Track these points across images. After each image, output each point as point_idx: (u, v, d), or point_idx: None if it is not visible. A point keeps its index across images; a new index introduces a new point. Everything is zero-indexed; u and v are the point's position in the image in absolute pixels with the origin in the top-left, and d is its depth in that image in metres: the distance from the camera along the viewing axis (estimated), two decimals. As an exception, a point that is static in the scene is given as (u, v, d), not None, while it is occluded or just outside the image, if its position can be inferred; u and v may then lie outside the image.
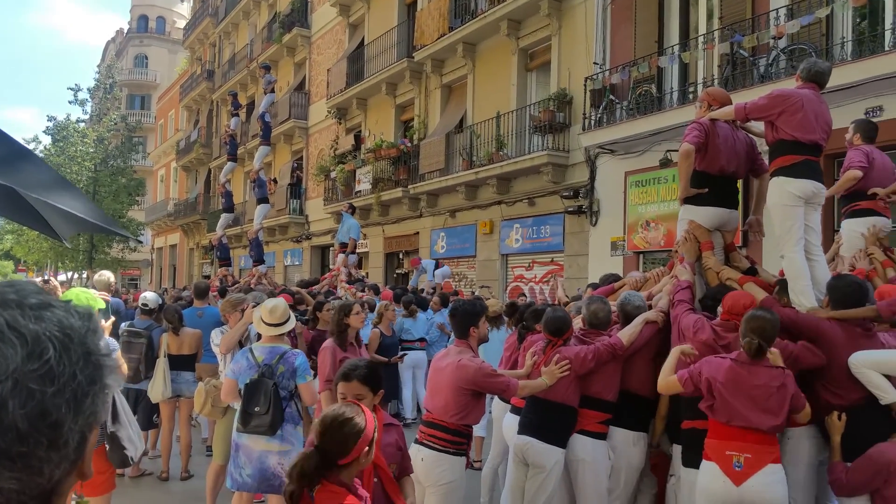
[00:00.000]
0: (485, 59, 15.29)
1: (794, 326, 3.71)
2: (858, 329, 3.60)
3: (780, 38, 8.92)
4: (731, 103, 4.27)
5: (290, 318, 4.58)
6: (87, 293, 5.04)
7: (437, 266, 13.26)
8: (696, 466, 3.52)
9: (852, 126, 5.11)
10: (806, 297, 3.84)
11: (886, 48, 7.95)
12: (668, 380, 3.55)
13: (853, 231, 4.82)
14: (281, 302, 4.62)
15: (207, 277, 22.37)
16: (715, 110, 4.21)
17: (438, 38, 15.61)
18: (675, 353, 3.67)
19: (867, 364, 3.47)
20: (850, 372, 3.50)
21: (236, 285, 12.63)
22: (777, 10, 9.18)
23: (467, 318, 3.88)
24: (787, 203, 3.90)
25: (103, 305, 5.27)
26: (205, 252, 30.34)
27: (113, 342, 5.41)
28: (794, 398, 3.32)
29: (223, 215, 16.40)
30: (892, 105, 7.99)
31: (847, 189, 4.79)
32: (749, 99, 4.13)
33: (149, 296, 7.06)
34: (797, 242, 3.88)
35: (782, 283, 4.06)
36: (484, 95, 15.19)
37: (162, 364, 6.34)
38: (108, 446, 3.86)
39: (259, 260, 14.43)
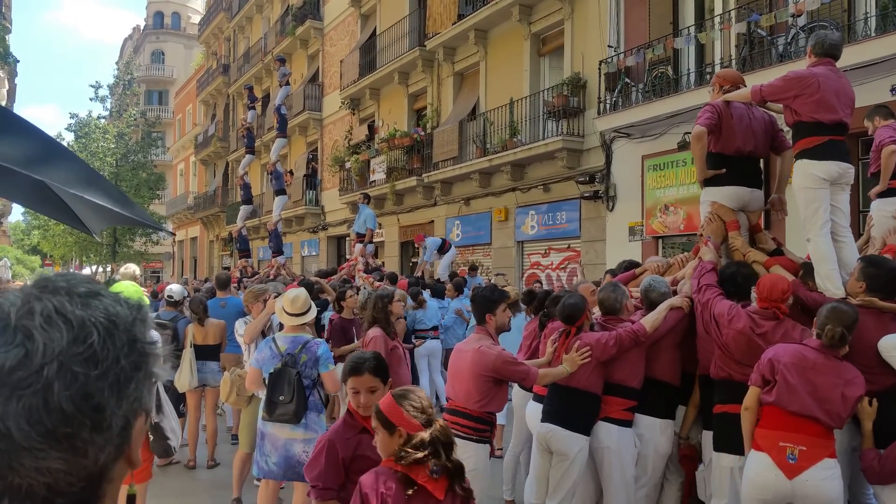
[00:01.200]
0: (497, 46, 15.20)
1: None
2: (889, 314, 3.52)
3: (799, 15, 8.76)
4: (743, 81, 4.22)
5: (311, 307, 4.63)
6: (137, 287, 5.15)
7: (443, 246, 12.74)
8: (729, 451, 3.48)
9: (866, 118, 5.05)
10: (832, 281, 3.76)
11: (910, 23, 7.79)
12: (750, 393, 3.38)
13: (884, 211, 4.71)
14: (302, 292, 4.67)
15: (228, 269, 22.57)
16: (727, 91, 4.16)
17: (450, 27, 15.54)
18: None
19: None
20: (881, 357, 3.42)
21: (256, 276, 12.76)
22: (796, -14, 9.02)
23: (484, 304, 3.90)
24: (812, 185, 3.82)
25: (147, 301, 5.38)
26: (224, 244, 30.64)
27: (156, 334, 5.52)
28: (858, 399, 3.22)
29: (242, 207, 16.53)
30: (917, 81, 7.84)
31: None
32: (768, 80, 4.07)
33: (174, 288, 7.18)
34: (823, 226, 3.80)
35: (807, 266, 3.99)
36: (496, 82, 15.11)
37: (188, 354, 6.44)
38: (151, 437, 3.94)
39: (278, 251, 14.56)
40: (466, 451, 3.67)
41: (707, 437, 3.83)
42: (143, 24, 52.59)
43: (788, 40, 8.88)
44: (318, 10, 23.82)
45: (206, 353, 6.63)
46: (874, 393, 3.43)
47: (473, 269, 12.75)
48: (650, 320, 3.92)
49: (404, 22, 18.02)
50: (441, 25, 15.94)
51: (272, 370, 4.36)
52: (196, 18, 46.13)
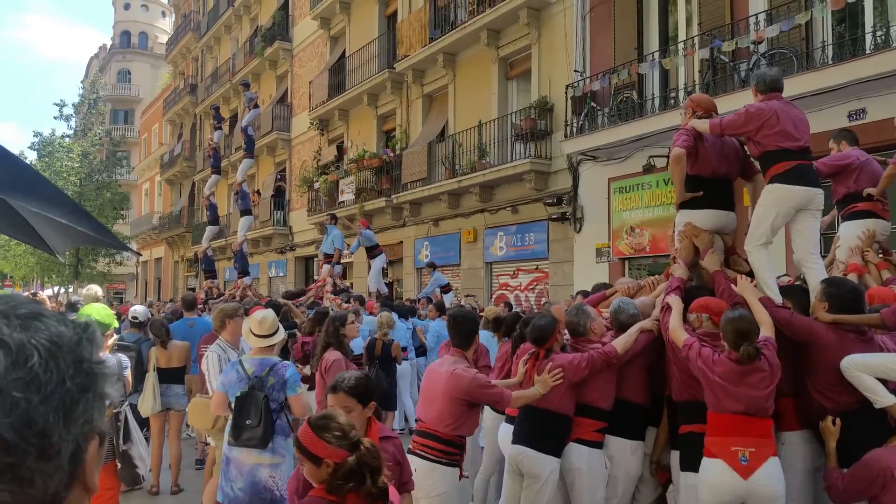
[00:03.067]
0: (465, 69, 15.36)
1: (789, 327, 3.71)
2: (852, 334, 3.59)
3: (760, 42, 9.03)
4: (715, 109, 4.29)
5: (279, 329, 4.56)
6: (106, 309, 5.01)
7: (445, 287, 13.09)
8: (694, 470, 3.49)
9: (833, 138, 5.20)
10: (771, 290, 3.85)
11: (867, 51, 8.06)
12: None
13: (851, 234, 4.82)
14: (270, 313, 4.59)
15: (193, 290, 22.20)
16: (700, 116, 4.24)
17: (419, 50, 15.68)
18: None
19: (860, 367, 3.44)
20: (842, 376, 3.48)
21: (221, 297, 12.56)
22: (756, 14, 9.30)
23: (471, 326, 3.89)
24: (772, 206, 3.92)
25: (116, 324, 5.25)
26: (190, 265, 30.17)
27: (125, 359, 5.39)
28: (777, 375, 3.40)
29: (208, 228, 16.33)
30: (875, 107, 8.08)
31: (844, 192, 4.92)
32: (732, 105, 4.16)
33: (138, 309, 7.01)
34: (764, 244, 3.94)
35: (786, 288, 4.03)
36: (465, 104, 15.25)
37: (151, 378, 6.28)
38: (119, 464, 3.80)
39: (244, 272, 14.37)
40: (435, 475, 3.63)
41: (675, 456, 3.84)
42: (109, 44, 51.99)
43: (750, 66, 9.12)
44: (287, 31, 23.84)
45: (169, 376, 6.47)
46: (837, 412, 3.50)
47: (447, 288, 12.80)
48: (621, 342, 3.93)
49: (374, 44, 18.12)
50: (411, 48, 16.07)
51: (239, 394, 4.26)
52: (164, 38, 45.78)
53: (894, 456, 3.22)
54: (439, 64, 15.58)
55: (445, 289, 12.82)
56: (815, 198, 3.94)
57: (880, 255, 4.78)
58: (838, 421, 3.47)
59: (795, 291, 4.00)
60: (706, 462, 3.40)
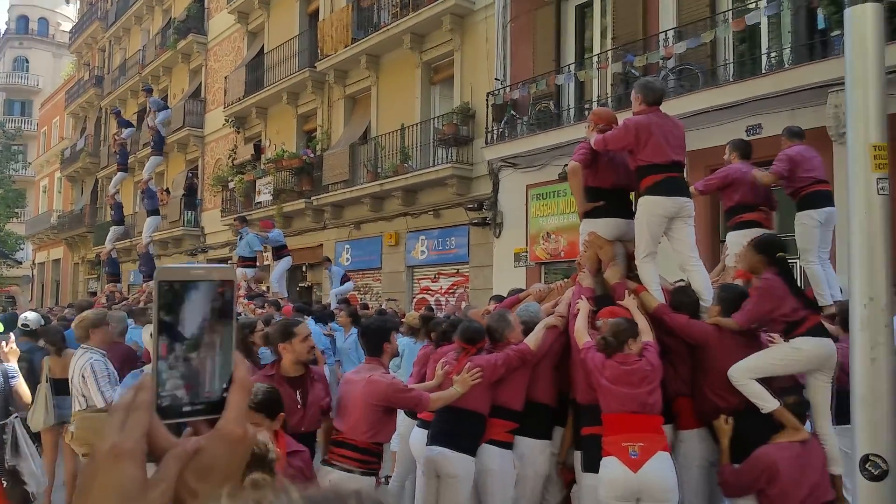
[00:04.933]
0: (389, 72, 15.30)
1: (685, 332, 3.93)
2: (739, 336, 3.82)
3: (669, 58, 9.45)
4: (617, 123, 4.50)
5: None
6: None
7: (343, 278, 12.77)
8: (595, 471, 3.62)
9: (729, 146, 5.50)
10: (657, 300, 4.10)
11: (763, 70, 8.58)
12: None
13: (737, 242, 5.10)
14: None
15: (94, 294, 21.07)
16: (602, 129, 4.39)
17: (342, 50, 15.50)
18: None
19: (745, 373, 3.67)
20: None
21: (125, 302, 11.98)
22: (666, 31, 9.73)
23: (380, 333, 3.84)
24: (647, 219, 4.16)
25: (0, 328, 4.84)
26: (91, 267, 28.59)
27: (11, 369, 4.97)
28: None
29: (112, 228, 15.56)
30: (769, 123, 8.60)
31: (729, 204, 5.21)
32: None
33: (30, 316, 6.53)
34: (648, 255, 4.19)
35: (677, 291, 4.26)
36: (388, 107, 15.18)
37: (44, 389, 5.85)
38: (6, 482, 3.50)
39: (150, 275, 13.70)
40: (352, 485, 3.56)
41: (578, 456, 3.96)
42: (3, 28, 48.58)
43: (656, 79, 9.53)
44: (203, 24, 23.07)
45: (65, 387, 6.04)
46: (730, 411, 3.72)
47: (346, 278, 12.66)
48: (532, 339, 4.04)
49: (294, 42, 17.78)
50: (333, 48, 15.86)
51: None
52: (67, 26, 43.20)
53: (779, 452, 3.49)
54: (362, 65, 15.45)
55: (344, 279, 12.68)
56: (685, 206, 4.20)
57: None
58: (730, 419, 3.70)
59: (680, 292, 4.24)
60: (603, 461, 3.56)
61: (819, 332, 3.71)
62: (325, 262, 13.23)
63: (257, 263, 12.45)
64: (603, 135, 4.24)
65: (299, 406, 3.61)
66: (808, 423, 3.73)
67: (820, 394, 3.76)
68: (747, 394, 3.65)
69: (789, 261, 5.51)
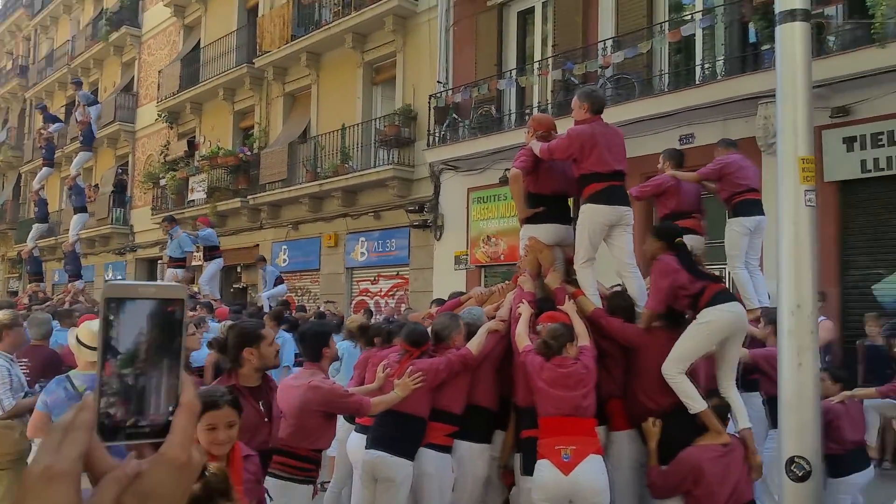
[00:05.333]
0: (330, 70, 15.12)
1: (619, 335, 4.03)
2: (666, 335, 3.92)
3: (606, 67, 9.67)
4: (555, 128, 4.60)
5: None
6: None
7: (278, 279, 12.51)
8: (532, 473, 3.65)
9: (663, 155, 5.65)
10: (595, 305, 4.20)
11: (697, 81, 8.86)
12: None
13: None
14: None
15: (15, 294, 20.04)
16: (542, 136, 4.45)
17: (281, 47, 15.23)
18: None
19: (673, 367, 3.77)
20: (663, 380, 3.81)
21: (48, 303, 11.42)
22: (605, 41, 9.95)
23: (318, 338, 3.76)
24: (587, 226, 4.25)
25: None
26: (13, 265, 27.22)
27: None
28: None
29: (36, 225, 14.82)
30: (702, 133, 8.90)
31: (664, 213, 5.39)
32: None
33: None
34: (587, 260, 4.28)
35: (614, 296, 4.35)
36: (329, 106, 15.00)
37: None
38: None
39: (76, 274, 13.15)
40: (288, 493, 3.48)
41: (517, 459, 3.99)
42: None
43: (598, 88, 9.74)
44: (137, 16, 22.34)
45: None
46: (658, 413, 3.82)
47: (280, 280, 12.46)
48: (474, 343, 4.04)
49: (232, 37, 17.38)
50: (272, 44, 15.56)
51: None
52: (-12, 11, 41.05)
53: (703, 453, 3.60)
54: (302, 63, 15.22)
55: (279, 281, 12.49)
56: (625, 215, 4.30)
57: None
58: (658, 422, 3.80)
59: (616, 297, 4.34)
60: (536, 464, 3.60)
61: (721, 298, 3.82)
62: (259, 262, 12.96)
63: (187, 264, 12.07)
64: (548, 144, 4.29)
65: (266, 420, 3.28)
66: (729, 425, 3.86)
67: (729, 352, 3.93)
68: (679, 392, 3.75)
69: (718, 267, 5.71)
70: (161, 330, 0.67)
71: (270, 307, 10.97)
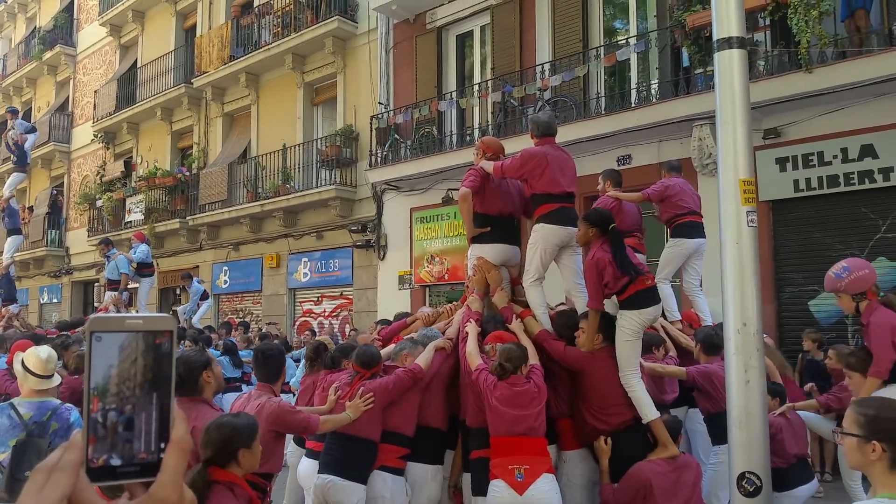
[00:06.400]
0: (269, 91, 15.02)
1: (563, 359, 4.07)
2: (607, 355, 3.98)
3: (545, 90, 9.92)
4: (503, 151, 4.70)
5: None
6: None
7: (203, 295, 12.35)
8: (483, 494, 3.67)
9: (602, 176, 5.84)
10: (544, 324, 4.28)
11: (633, 104, 9.18)
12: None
13: None
14: (53, 351, 4.07)
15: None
16: (490, 158, 4.55)
17: (220, 67, 15.05)
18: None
19: (626, 375, 3.86)
20: (613, 399, 3.89)
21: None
22: (542, 64, 10.22)
23: (280, 359, 3.77)
24: (540, 244, 4.34)
25: None
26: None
27: None
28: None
29: (12, 238, 14.13)
30: (638, 154, 9.22)
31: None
32: (521, 146, 4.56)
33: None
34: (535, 280, 4.36)
35: (562, 315, 4.42)
36: (269, 127, 14.87)
37: None
38: None
39: (10, 298, 12.61)
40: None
41: (467, 479, 3.99)
42: None
43: (536, 110, 9.97)
44: (71, 35, 21.73)
45: None
46: (608, 432, 3.89)
47: (205, 295, 12.26)
48: (422, 359, 4.06)
49: (170, 57, 17.08)
50: (210, 65, 15.36)
51: (13, 442, 3.68)
52: None
53: (652, 468, 3.69)
54: (241, 83, 15.06)
55: (204, 296, 12.30)
56: (574, 236, 4.39)
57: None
58: (609, 440, 3.86)
59: (563, 315, 4.41)
60: (490, 484, 3.61)
61: (638, 301, 3.85)
62: (184, 279, 12.57)
63: (123, 287, 11.73)
64: (501, 162, 4.39)
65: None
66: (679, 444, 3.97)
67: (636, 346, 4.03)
68: (634, 398, 3.84)
69: (672, 280, 5.83)
70: (149, 363, 0.65)
71: (198, 328, 10.77)
